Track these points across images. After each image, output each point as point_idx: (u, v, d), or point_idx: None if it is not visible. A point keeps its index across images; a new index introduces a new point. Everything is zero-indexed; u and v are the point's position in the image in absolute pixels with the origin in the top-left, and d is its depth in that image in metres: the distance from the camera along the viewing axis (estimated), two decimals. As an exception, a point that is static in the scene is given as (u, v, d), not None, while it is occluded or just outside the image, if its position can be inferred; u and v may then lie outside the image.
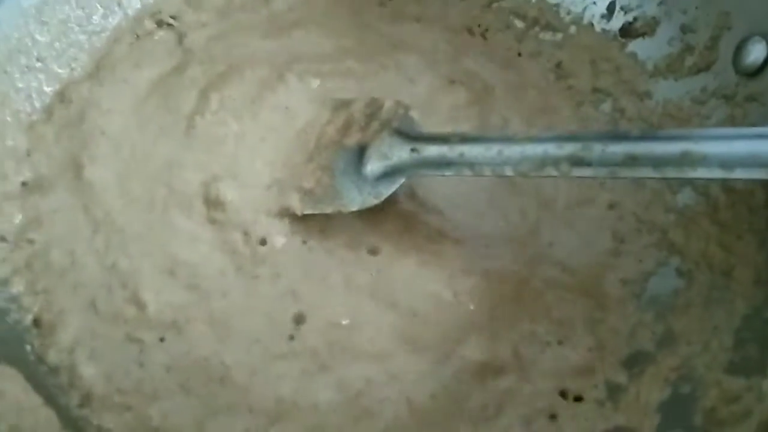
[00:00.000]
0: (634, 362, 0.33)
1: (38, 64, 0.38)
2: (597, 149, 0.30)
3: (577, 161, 0.30)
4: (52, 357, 0.32)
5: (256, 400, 0.32)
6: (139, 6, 0.42)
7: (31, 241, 0.35)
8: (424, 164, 0.34)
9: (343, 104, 0.38)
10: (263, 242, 0.35)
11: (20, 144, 0.37)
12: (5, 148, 0.36)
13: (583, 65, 0.42)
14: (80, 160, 0.37)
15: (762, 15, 0.34)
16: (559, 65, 0.42)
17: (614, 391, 0.32)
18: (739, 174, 0.28)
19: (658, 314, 0.34)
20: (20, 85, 0.38)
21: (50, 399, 0.30)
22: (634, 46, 0.40)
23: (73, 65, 0.40)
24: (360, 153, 0.35)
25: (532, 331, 0.34)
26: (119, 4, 0.41)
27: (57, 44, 0.39)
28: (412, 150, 0.34)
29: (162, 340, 0.33)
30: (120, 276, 0.34)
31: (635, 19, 0.40)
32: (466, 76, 0.42)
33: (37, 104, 0.38)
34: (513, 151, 0.32)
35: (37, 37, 0.38)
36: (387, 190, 0.34)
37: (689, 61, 0.38)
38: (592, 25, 0.42)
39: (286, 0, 0.43)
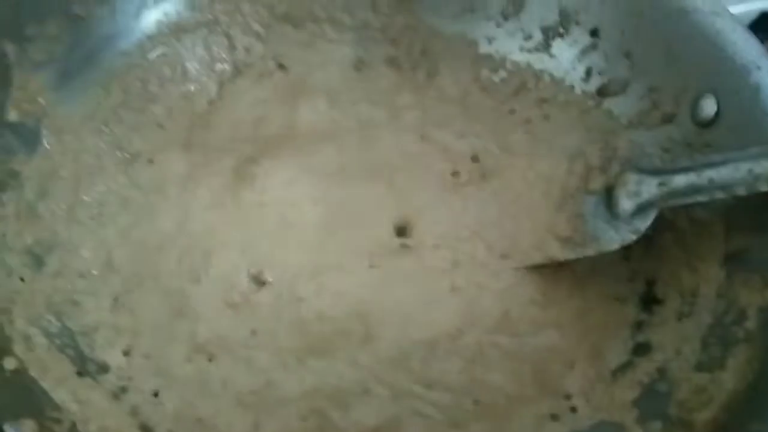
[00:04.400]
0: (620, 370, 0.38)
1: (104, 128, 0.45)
2: None
3: None
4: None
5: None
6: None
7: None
8: (674, 194, 0.36)
9: (578, 153, 0.41)
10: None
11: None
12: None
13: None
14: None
15: (712, 74, 0.41)
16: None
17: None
18: None
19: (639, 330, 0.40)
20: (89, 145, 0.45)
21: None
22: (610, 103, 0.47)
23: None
24: (608, 195, 0.38)
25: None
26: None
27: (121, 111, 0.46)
28: (660, 184, 0.36)
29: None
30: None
31: (609, 81, 0.48)
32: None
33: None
34: (764, 167, 0.34)
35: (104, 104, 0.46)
36: (644, 224, 0.37)
37: (656, 114, 0.45)
38: (573, 87, 0.49)
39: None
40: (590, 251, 0.39)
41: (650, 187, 0.37)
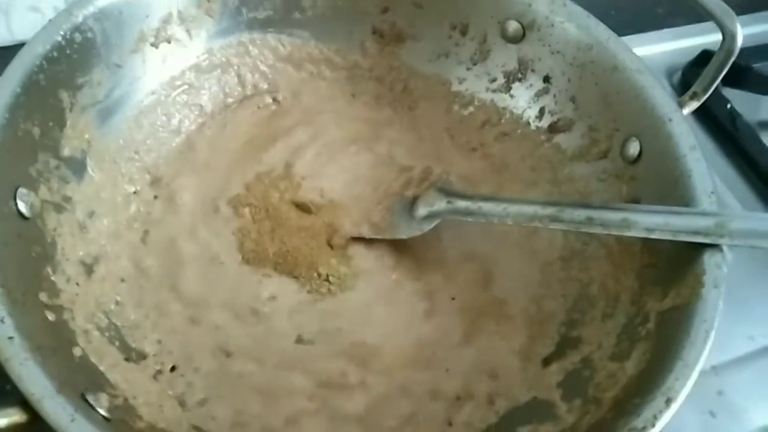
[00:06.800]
0: (551, 359, 0.48)
1: (135, 156, 0.54)
2: (568, 211, 0.45)
3: (554, 218, 0.45)
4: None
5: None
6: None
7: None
8: (454, 212, 0.50)
9: (406, 168, 0.56)
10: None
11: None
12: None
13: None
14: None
15: (636, 122, 0.50)
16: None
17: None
18: (656, 235, 0.42)
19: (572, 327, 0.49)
20: (124, 171, 0.53)
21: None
22: (558, 139, 0.57)
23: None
24: (413, 201, 0.52)
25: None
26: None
27: (149, 141, 0.55)
28: (448, 202, 0.50)
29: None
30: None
31: (558, 119, 0.57)
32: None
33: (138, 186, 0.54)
34: (513, 208, 0.47)
35: (135, 136, 0.54)
36: (428, 226, 0.51)
37: (594, 150, 0.54)
38: (529, 123, 0.58)
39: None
40: (387, 236, 0.51)
41: (441, 203, 0.50)
